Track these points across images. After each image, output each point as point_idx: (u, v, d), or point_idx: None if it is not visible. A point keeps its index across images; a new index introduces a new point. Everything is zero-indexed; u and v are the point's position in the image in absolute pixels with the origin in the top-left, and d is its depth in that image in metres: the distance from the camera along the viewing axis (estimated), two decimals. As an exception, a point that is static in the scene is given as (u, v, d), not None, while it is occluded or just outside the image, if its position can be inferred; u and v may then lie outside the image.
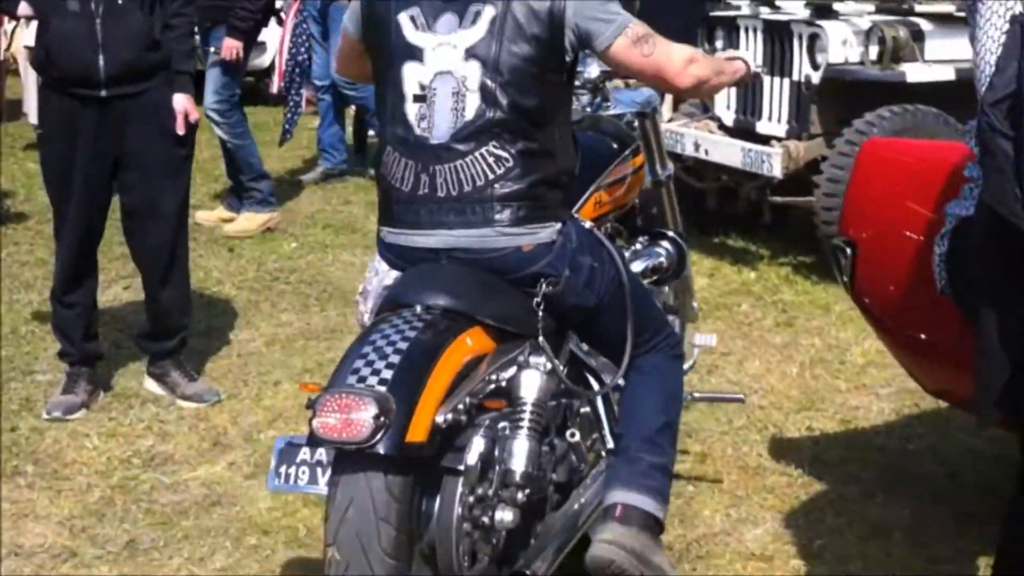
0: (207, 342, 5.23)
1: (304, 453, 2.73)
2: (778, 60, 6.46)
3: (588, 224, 3.04)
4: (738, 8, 6.89)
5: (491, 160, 2.78)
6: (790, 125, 6.41)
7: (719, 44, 6.89)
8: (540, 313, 2.82)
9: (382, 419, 2.46)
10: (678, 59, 2.87)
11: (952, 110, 6.12)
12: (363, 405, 2.46)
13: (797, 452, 4.22)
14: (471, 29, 2.78)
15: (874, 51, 6.09)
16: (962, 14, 6.23)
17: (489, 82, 2.76)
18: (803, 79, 6.29)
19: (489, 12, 2.77)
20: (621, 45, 2.81)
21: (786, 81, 6.43)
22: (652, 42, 2.82)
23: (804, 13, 6.44)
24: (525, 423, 2.79)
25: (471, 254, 2.81)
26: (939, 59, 6.17)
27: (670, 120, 6.91)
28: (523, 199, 2.80)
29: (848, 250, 3.39)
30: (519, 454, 2.76)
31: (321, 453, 2.71)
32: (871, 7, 6.15)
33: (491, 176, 2.78)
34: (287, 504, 3.79)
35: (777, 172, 6.09)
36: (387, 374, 2.51)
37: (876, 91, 6.12)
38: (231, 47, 6.66)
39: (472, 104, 2.77)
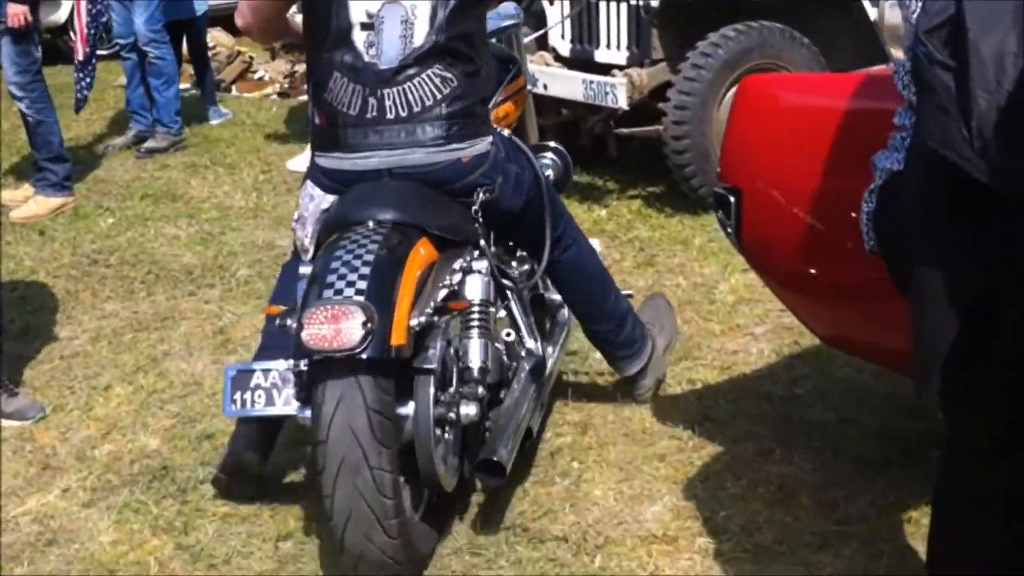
0: (24, 345, 4.70)
1: (258, 378, 2.94)
2: (621, -12, 6.13)
3: (507, 133, 3.39)
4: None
5: (437, 81, 3.01)
6: (631, 52, 6.10)
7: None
8: (479, 220, 3.10)
9: (369, 325, 2.65)
10: None
11: (796, 24, 5.88)
12: (350, 314, 2.65)
13: (684, 410, 3.94)
14: None
15: (714, -34, 5.79)
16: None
17: (439, 10, 2.98)
18: (641, 2, 5.97)
19: None
20: None
21: (623, 6, 6.10)
22: None
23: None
24: (476, 323, 3.09)
25: (416, 170, 3.01)
26: (780, -31, 5.90)
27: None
28: (465, 116, 3.04)
29: (732, 199, 3.08)
30: (475, 351, 3.07)
31: (275, 376, 2.93)
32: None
33: (438, 96, 3.00)
34: (132, 535, 3.36)
35: (622, 103, 5.78)
36: (362, 285, 2.70)
37: (718, 10, 5.84)
38: (16, 13, 6.02)
39: (421, 31, 2.99)
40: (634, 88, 5.80)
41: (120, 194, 6.88)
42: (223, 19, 11.06)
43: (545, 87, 6.15)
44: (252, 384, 2.93)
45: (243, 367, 2.98)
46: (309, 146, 3.36)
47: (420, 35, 3.00)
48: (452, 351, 3.02)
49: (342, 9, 3.01)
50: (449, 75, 3.04)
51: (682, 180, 5.84)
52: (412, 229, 2.96)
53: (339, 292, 2.72)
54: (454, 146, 3.05)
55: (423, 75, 3.01)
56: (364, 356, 2.66)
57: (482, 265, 3.14)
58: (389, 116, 3.00)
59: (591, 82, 5.89)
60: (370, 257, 2.79)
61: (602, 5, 6.20)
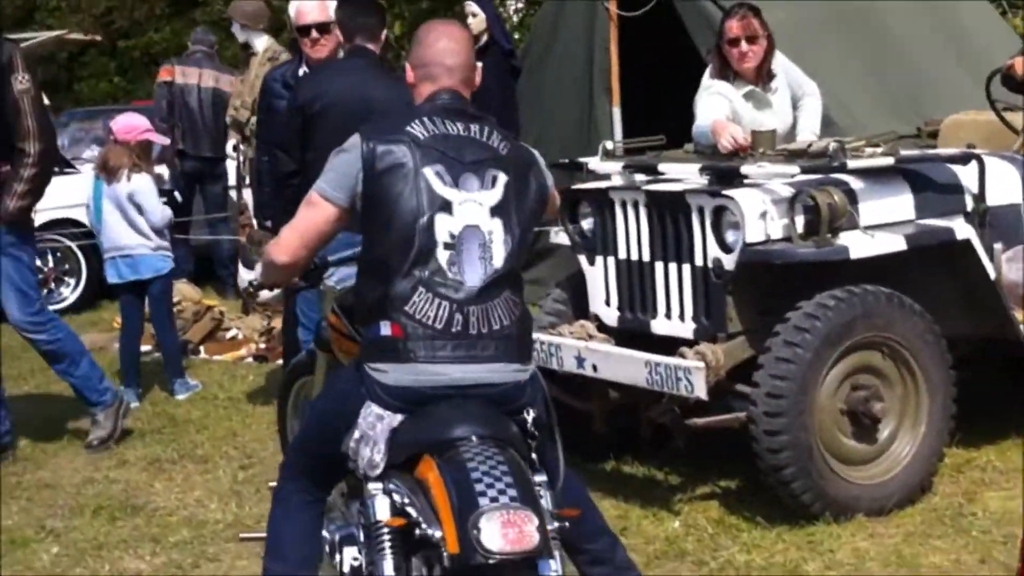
0: None
1: None
2: (672, 242, 5.05)
3: None
4: (607, 178, 5.46)
5: (511, 304, 3.27)
6: (699, 324, 4.98)
7: (587, 224, 5.46)
8: (534, 439, 3.25)
9: (542, 529, 2.92)
10: None
11: (900, 287, 4.80)
12: (527, 519, 2.91)
13: None
14: (492, 191, 3.27)
15: (800, 222, 4.71)
16: (898, 164, 4.96)
17: (510, 238, 3.25)
18: (712, 264, 4.88)
19: (503, 178, 3.30)
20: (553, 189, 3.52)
21: (686, 268, 5.01)
22: None
23: (700, 180, 5.04)
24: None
25: (488, 388, 3.21)
26: (876, 224, 4.84)
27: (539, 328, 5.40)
28: (525, 339, 3.33)
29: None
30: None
31: None
32: (787, 168, 4.79)
33: (513, 317, 3.26)
34: None
35: (700, 392, 4.62)
36: (513, 492, 2.96)
37: (807, 273, 4.75)
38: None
39: (499, 255, 3.24)
40: (711, 371, 4.65)
41: (68, 508, 5.60)
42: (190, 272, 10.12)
43: (595, 368, 5.01)
44: None
45: None
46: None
47: (499, 258, 3.24)
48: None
49: (428, 228, 3.21)
50: (517, 299, 3.31)
51: (778, 484, 4.66)
52: (502, 442, 3.15)
53: (495, 500, 2.92)
54: (519, 366, 3.28)
55: (502, 296, 3.25)
56: (541, 559, 2.95)
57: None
58: (472, 331, 3.20)
59: (657, 365, 4.74)
60: (505, 467, 3.01)
61: (658, 266, 5.11)
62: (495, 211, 3.25)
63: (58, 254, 10.28)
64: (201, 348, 8.65)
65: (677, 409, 4.87)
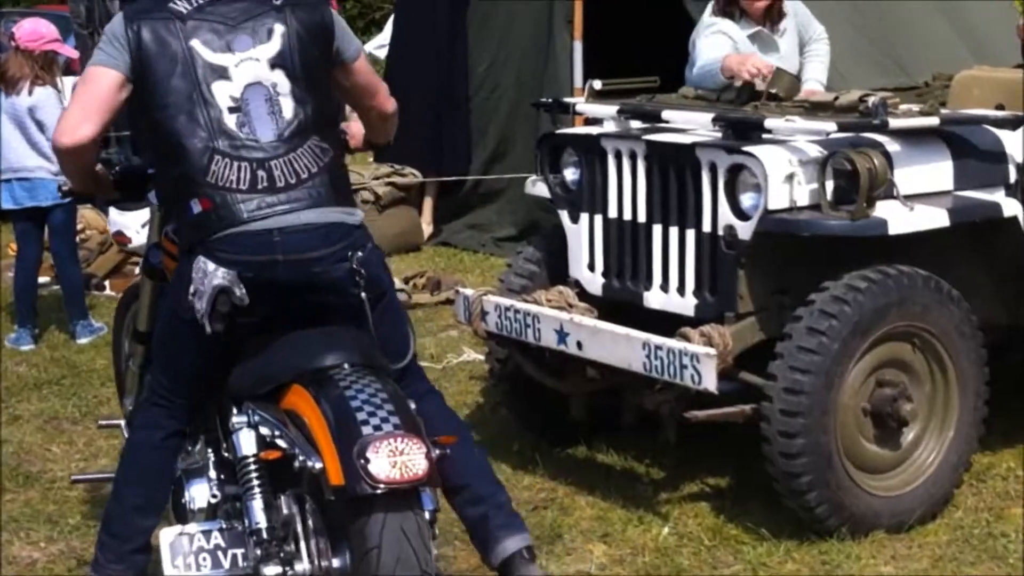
0: None
1: (199, 540, 3.18)
2: (675, 203, 4.34)
3: None
4: (598, 123, 4.72)
5: (316, 151, 3.23)
6: (701, 300, 4.29)
7: (570, 175, 4.72)
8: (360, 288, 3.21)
9: (430, 455, 2.82)
10: (384, 84, 3.59)
11: (934, 269, 4.15)
12: (414, 446, 2.81)
13: None
14: (268, 44, 3.24)
15: (830, 187, 4.03)
16: (943, 126, 4.29)
17: (297, 87, 3.23)
18: (723, 232, 4.18)
19: (280, 28, 3.25)
20: (363, 61, 3.48)
21: (690, 234, 4.31)
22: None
23: (713, 132, 4.32)
24: None
25: (311, 230, 3.15)
26: (914, 194, 4.18)
27: (507, 293, 4.68)
28: (340, 184, 3.28)
29: None
30: None
31: (216, 536, 3.19)
32: (821, 124, 4.08)
33: (321, 164, 3.22)
34: None
35: (708, 384, 3.93)
36: (396, 420, 2.86)
37: (831, 247, 4.08)
38: None
39: (287, 106, 3.22)
40: (720, 358, 3.97)
41: (-53, 473, 4.80)
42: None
43: (580, 346, 4.30)
44: (194, 547, 3.16)
45: (181, 530, 3.20)
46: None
47: (288, 109, 3.22)
48: None
49: (207, 98, 3.17)
50: (325, 145, 3.26)
51: (791, 494, 4.01)
52: (371, 366, 3.08)
53: (378, 428, 2.83)
54: (343, 209, 3.24)
55: (304, 146, 3.22)
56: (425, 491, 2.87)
57: None
58: (279, 184, 3.16)
59: (657, 348, 4.04)
60: (384, 395, 2.93)
61: (656, 229, 4.40)
62: (275, 62, 3.21)
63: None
64: (107, 283, 7.79)
65: (674, 400, 4.17)
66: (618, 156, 4.50)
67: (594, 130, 4.66)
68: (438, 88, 8.72)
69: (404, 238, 8.64)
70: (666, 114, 4.53)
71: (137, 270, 7.81)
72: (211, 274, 3.10)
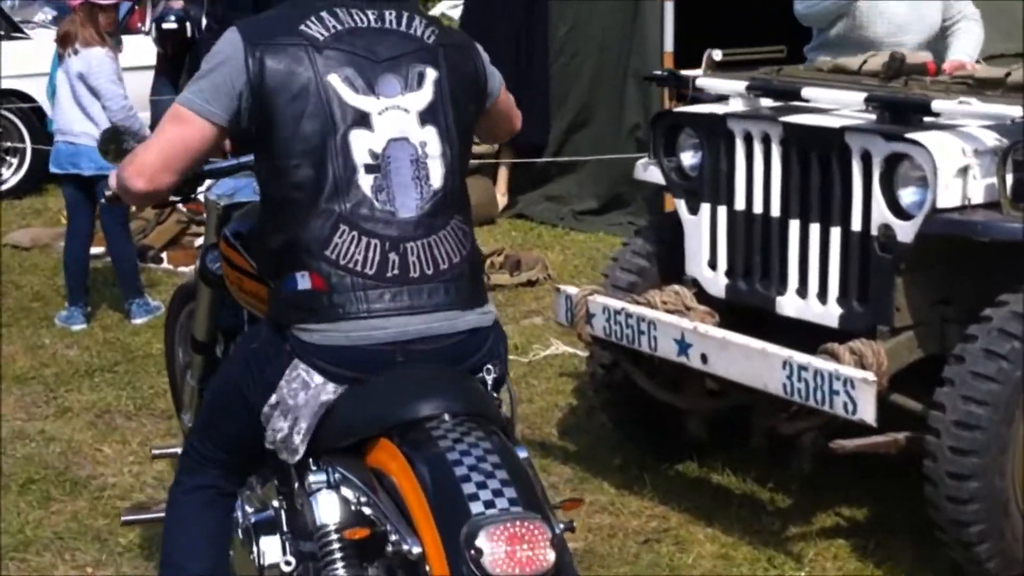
0: None
1: None
2: (817, 196, 3.76)
3: None
4: (726, 102, 4.12)
5: (460, 234, 2.62)
6: (848, 310, 3.71)
7: (689, 159, 4.15)
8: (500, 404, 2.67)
9: (555, 543, 2.24)
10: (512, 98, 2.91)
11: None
12: (537, 533, 2.22)
13: None
14: (419, 92, 2.60)
15: (1010, 182, 3.43)
16: None
17: (448, 148, 2.60)
18: (877, 232, 3.59)
19: (432, 74, 2.62)
20: (503, 91, 2.83)
21: (835, 232, 3.72)
22: None
23: (868, 115, 3.73)
24: None
25: (440, 342, 2.57)
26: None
27: (621, 291, 4.12)
28: (478, 277, 2.67)
29: None
30: None
31: None
32: (1004, 109, 3.46)
33: (464, 252, 2.61)
34: None
35: (867, 415, 3.36)
36: (511, 493, 2.28)
37: (1009, 253, 3.49)
38: None
39: (436, 172, 2.59)
40: (879, 383, 3.40)
41: (-13, 478, 4.33)
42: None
43: (704, 360, 3.73)
44: None
45: None
46: None
47: (437, 177, 2.58)
48: None
49: (342, 150, 2.53)
50: (466, 227, 2.64)
51: (958, 545, 3.43)
52: (480, 418, 2.47)
53: (491, 504, 2.24)
54: (478, 311, 2.62)
55: (449, 226, 2.59)
56: None
57: None
58: (413, 274, 2.55)
59: (801, 369, 3.47)
60: (496, 457, 2.34)
61: (793, 225, 3.82)
62: (426, 116, 2.59)
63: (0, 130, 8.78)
64: (164, 256, 7.30)
65: (818, 428, 3.61)
66: (748, 140, 3.91)
67: (719, 108, 4.06)
68: (515, 52, 8.12)
69: (478, 210, 7.94)
70: (806, 92, 3.93)
71: (197, 242, 7.37)
72: (317, 388, 2.52)
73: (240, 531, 2.86)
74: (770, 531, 3.91)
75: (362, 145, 2.53)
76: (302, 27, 2.55)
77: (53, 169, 6.20)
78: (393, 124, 2.55)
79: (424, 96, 2.59)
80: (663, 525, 3.98)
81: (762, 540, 3.85)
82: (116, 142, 3.19)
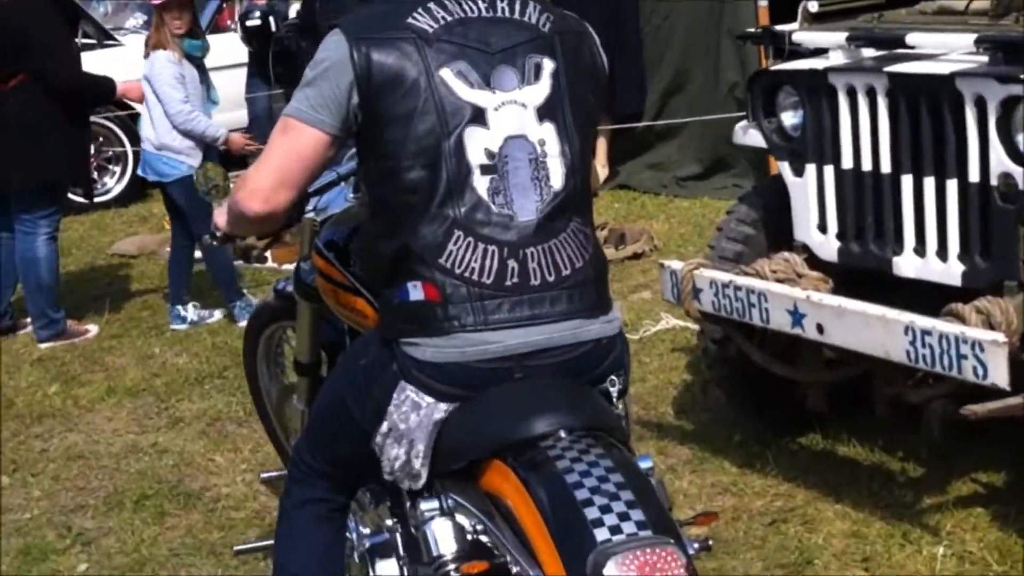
0: None
1: None
2: (929, 147, 3.55)
3: None
4: (826, 56, 3.91)
5: (581, 237, 2.47)
6: (971, 266, 3.50)
7: (790, 119, 3.96)
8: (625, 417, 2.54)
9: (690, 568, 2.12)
10: None
11: None
12: (669, 558, 2.07)
13: None
14: (536, 85, 2.45)
15: None
16: None
17: (568, 147, 2.45)
18: (997, 181, 3.38)
19: (549, 65, 2.46)
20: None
21: (951, 184, 3.51)
22: None
23: (979, 57, 3.50)
24: None
25: (562, 354, 2.41)
26: None
27: (730, 262, 3.95)
28: (602, 283, 2.52)
29: None
30: None
31: None
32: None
33: (587, 256, 2.47)
34: None
35: (999, 378, 3.15)
36: (639, 516, 2.12)
37: None
38: None
39: (557, 172, 2.43)
40: (1011, 344, 3.19)
41: (103, 495, 4.32)
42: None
43: (820, 330, 3.55)
44: None
45: None
46: None
47: (557, 177, 2.43)
48: None
49: (456, 150, 2.38)
50: (588, 230, 2.49)
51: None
52: (599, 432, 2.32)
53: (617, 530, 2.09)
54: (603, 319, 2.47)
55: (569, 229, 2.44)
56: None
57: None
58: (534, 282, 2.40)
59: (925, 333, 3.27)
60: (619, 477, 2.18)
61: (906, 180, 3.61)
62: (544, 112, 2.43)
63: (100, 138, 8.82)
64: (268, 255, 7.28)
65: (947, 395, 3.41)
66: (851, 94, 3.71)
67: (819, 63, 3.86)
68: (604, 18, 7.91)
69: (579, 184, 7.92)
70: (911, 38, 3.70)
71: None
72: (429, 408, 2.39)
73: (356, 554, 2.77)
74: (903, 503, 3.73)
75: (477, 144, 2.40)
76: (409, 20, 2.41)
77: (140, 173, 6.25)
78: (510, 120, 2.41)
79: (542, 90, 2.44)
80: (789, 504, 3.82)
81: (895, 514, 3.67)
82: (207, 180, 3.11)
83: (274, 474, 3.67)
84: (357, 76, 2.37)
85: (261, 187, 2.46)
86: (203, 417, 4.98)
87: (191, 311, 6.08)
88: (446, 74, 2.39)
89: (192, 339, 5.95)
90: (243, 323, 6.04)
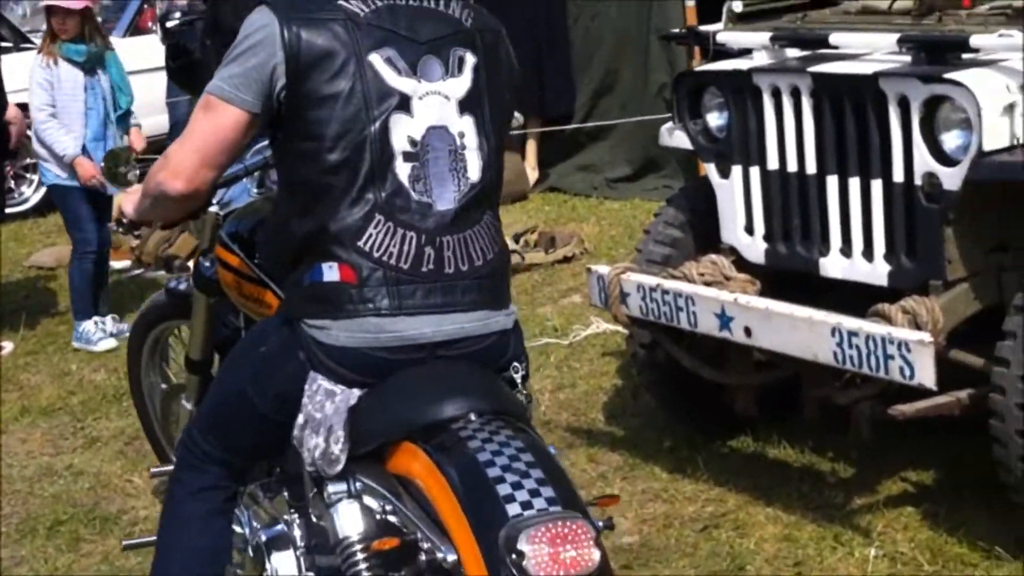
0: None
1: None
2: (855, 148, 3.52)
3: None
4: (750, 56, 3.87)
5: (492, 231, 2.52)
6: (897, 266, 3.48)
7: (716, 120, 3.92)
8: (527, 403, 2.54)
9: (599, 541, 2.15)
10: None
11: None
12: (580, 531, 2.11)
13: None
14: (459, 78, 2.48)
15: (1060, 118, 3.19)
16: None
17: (484, 141, 2.49)
18: (922, 181, 3.36)
19: (471, 60, 2.49)
20: None
21: (876, 185, 3.48)
22: None
23: (903, 57, 3.48)
24: None
25: (469, 344, 2.46)
26: None
27: (654, 265, 3.90)
28: (507, 277, 2.58)
29: None
30: None
31: None
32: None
33: (496, 249, 2.52)
34: None
35: (926, 378, 3.13)
36: (549, 492, 2.18)
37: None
38: None
39: (474, 165, 2.47)
40: (935, 343, 3.16)
41: (16, 521, 4.17)
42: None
43: (748, 333, 3.51)
44: None
45: None
46: None
47: (475, 169, 2.46)
48: None
49: (380, 135, 2.40)
50: (498, 223, 2.55)
51: (1034, 509, 3.21)
52: (507, 416, 2.36)
53: (528, 505, 2.13)
54: (507, 311, 2.53)
55: (483, 221, 2.49)
56: None
57: None
58: (448, 270, 2.44)
59: (851, 335, 3.24)
60: (529, 456, 2.23)
61: (831, 181, 3.58)
62: (465, 105, 2.46)
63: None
64: (190, 265, 7.10)
65: (874, 396, 3.38)
66: (776, 94, 3.68)
67: (743, 64, 3.83)
68: (532, 18, 7.86)
69: (508, 188, 7.66)
70: (834, 38, 3.68)
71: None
72: (345, 394, 2.40)
73: (250, 548, 2.73)
74: (834, 505, 3.69)
75: (402, 131, 2.41)
76: (340, 1, 2.41)
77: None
78: (433, 111, 2.43)
79: (464, 83, 2.47)
80: (720, 509, 3.77)
81: (826, 516, 3.64)
82: (115, 165, 3.03)
83: (164, 469, 3.56)
84: (287, 54, 2.36)
85: (184, 167, 2.44)
86: (121, 436, 4.83)
87: (109, 324, 5.90)
88: (375, 59, 2.39)
89: (109, 355, 5.78)
90: (78, 344, 5.82)
